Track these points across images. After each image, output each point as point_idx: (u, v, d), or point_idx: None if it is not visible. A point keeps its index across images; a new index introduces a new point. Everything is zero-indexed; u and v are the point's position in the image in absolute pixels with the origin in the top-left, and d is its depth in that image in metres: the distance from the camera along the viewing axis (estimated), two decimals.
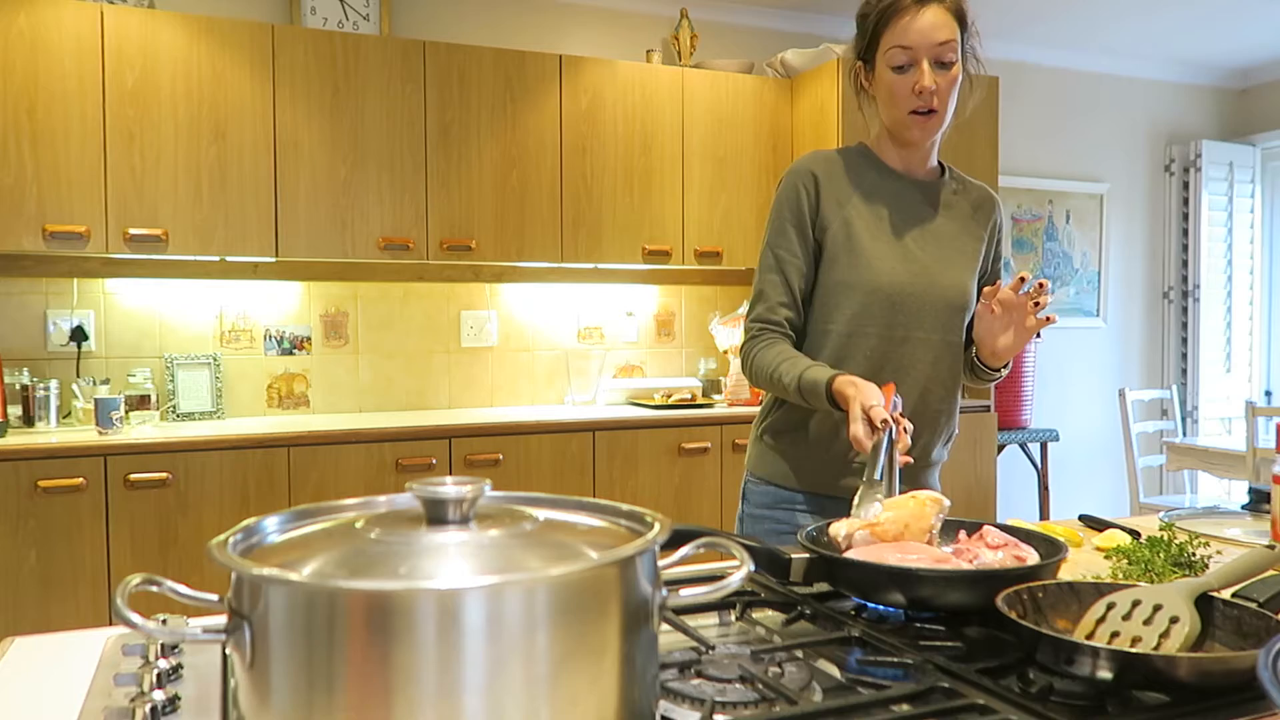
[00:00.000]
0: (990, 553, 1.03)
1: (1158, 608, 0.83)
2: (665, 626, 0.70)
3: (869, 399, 1.29)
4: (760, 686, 0.77)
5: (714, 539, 0.76)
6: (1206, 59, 4.96)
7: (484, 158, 3.31)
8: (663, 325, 3.98)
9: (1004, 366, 1.58)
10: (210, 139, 2.98)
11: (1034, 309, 1.41)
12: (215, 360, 3.27)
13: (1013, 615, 0.82)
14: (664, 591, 0.68)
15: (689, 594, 0.69)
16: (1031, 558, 1.02)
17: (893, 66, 1.45)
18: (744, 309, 3.70)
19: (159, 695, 0.77)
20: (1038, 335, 1.47)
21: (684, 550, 0.73)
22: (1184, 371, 5.14)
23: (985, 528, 1.09)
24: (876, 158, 1.58)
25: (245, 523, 0.71)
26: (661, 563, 0.70)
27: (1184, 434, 4.91)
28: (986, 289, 1.46)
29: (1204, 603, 0.84)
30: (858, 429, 1.27)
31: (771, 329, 1.53)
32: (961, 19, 1.47)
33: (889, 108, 1.49)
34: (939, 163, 1.62)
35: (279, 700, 0.59)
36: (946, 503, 1.11)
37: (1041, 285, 1.40)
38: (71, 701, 0.80)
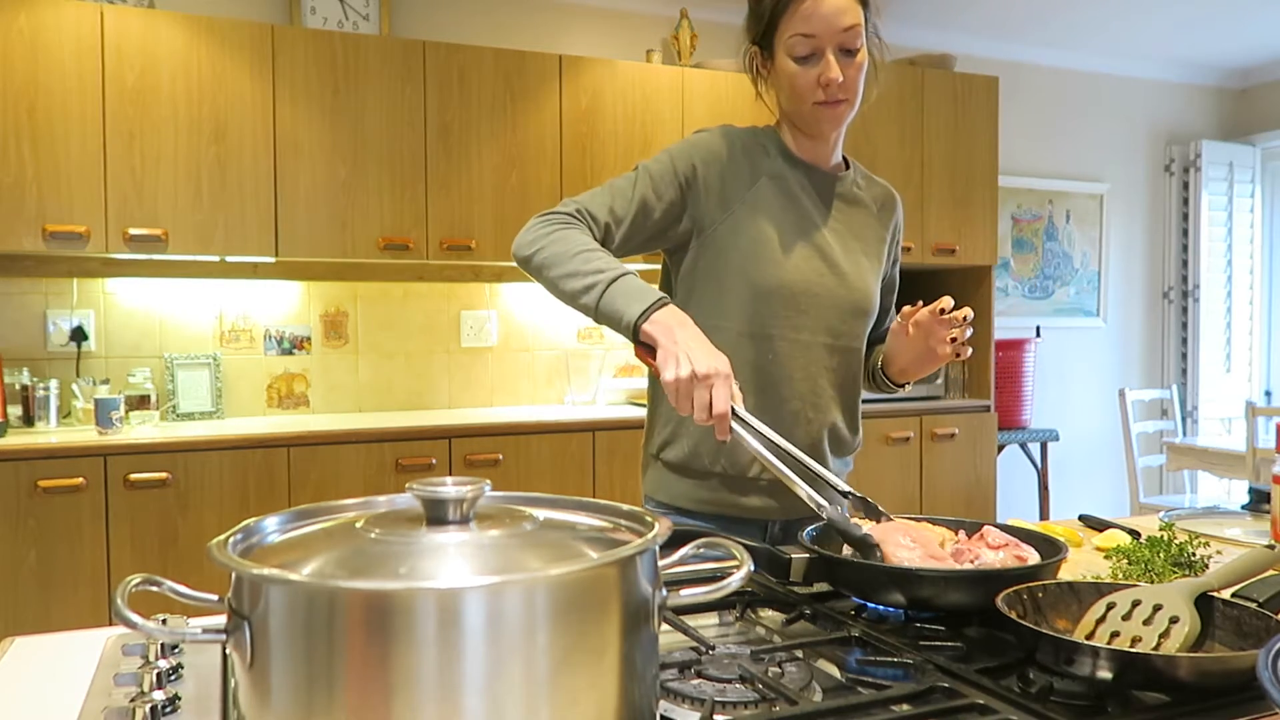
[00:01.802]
0: (991, 553, 1.03)
1: (1158, 608, 0.83)
2: (665, 626, 0.70)
3: (704, 365, 1.10)
4: (760, 686, 0.77)
5: (714, 539, 0.76)
6: (1206, 59, 4.96)
7: (484, 158, 3.31)
8: None
9: (906, 384, 1.51)
10: (210, 139, 2.98)
11: (950, 342, 1.31)
12: (215, 360, 3.27)
13: (1013, 615, 0.82)
14: (664, 591, 0.68)
15: (689, 594, 0.69)
16: (1032, 558, 1.02)
17: (795, 56, 1.33)
18: None
19: (159, 695, 0.77)
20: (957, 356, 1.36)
21: (684, 550, 0.73)
22: (1184, 371, 5.14)
23: (986, 528, 1.09)
24: (785, 147, 1.43)
25: (245, 523, 0.71)
26: (661, 563, 0.70)
27: (1184, 434, 4.91)
28: (905, 308, 1.35)
29: (1204, 603, 0.84)
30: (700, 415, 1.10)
31: (576, 222, 1.32)
32: (864, 1, 1.34)
33: (793, 99, 1.36)
34: (843, 156, 1.50)
35: (279, 700, 0.59)
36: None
37: (964, 318, 1.29)
38: (71, 701, 0.80)
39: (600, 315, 1.23)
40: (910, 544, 1.02)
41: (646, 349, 1.19)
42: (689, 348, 1.13)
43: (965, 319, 1.29)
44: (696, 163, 1.38)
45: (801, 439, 1.40)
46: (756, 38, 1.40)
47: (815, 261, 1.40)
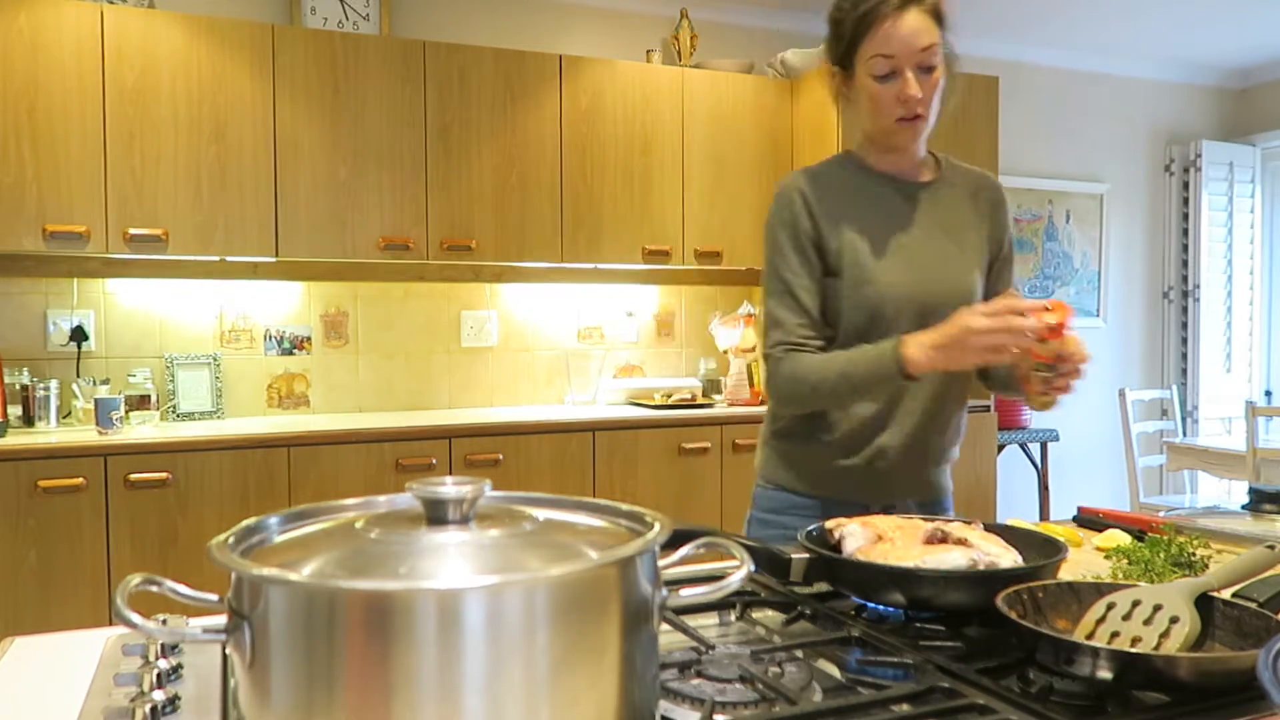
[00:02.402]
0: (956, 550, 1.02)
1: (1158, 608, 0.83)
2: (665, 626, 0.70)
3: (958, 332, 1.26)
4: (760, 686, 0.77)
5: (714, 539, 0.76)
6: (1206, 59, 4.95)
7: (484, 158, 3.31)
8: (663, 325, 3.98)
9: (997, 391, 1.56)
10: (210, 139, 2.98)
11: (1042, 387, 1.29)
12: (215, 360, 3.27)
13: (1013, 615, 0.82)
14: (664, 591, 0.68)
15: (689, 594, 0.69)
16: (1000, 561, 1.00)
17: (875, 75, 1.39)
18: (745, 309, 3.70)
19: (159, 695, 0.77)
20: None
21: (684, 550, 0.73)
22: (1184, 371, 5.14)
23: (972, 524, 1.09)
24: (864, 164, 1.52)
25: (245, 523, 0.71)
26: (661, 563, 0.70)
27: (1184, 434, 4.91)
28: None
29: (1204, 603, 0.84)
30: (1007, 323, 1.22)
31: (795, 348, 1.46)
32: (940, 19, 1.40)
33: (874, 116, 1.44)
34: (931, 155, 1.56)
35: (279, 700, 0.59)
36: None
37: (1077, 366, 1.25)
38: (71, 701, 0.80)
39: (874, 390, 1.40)
40: (858, 529, 1.06)
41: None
42: (944, 336, 1.28)
43: (1078, 368, 1.26)
44: (796, 220, 1.48)
45: (930, 437, 1.50)
46: (838, 59, 1.46)
47: (912, 270, 1.46)
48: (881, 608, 0.99)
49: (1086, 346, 1.25)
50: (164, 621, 0.65)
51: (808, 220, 1.47)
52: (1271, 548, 0.94)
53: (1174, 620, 0.81)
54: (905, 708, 0.74)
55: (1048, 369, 1.25)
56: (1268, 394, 5.23)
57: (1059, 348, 1.22)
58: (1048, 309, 1.20)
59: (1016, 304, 1.23)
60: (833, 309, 1.47)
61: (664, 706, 0.74)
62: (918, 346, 1.31)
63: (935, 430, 1.51)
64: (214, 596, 0.67)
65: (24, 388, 2.95)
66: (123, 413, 2.85)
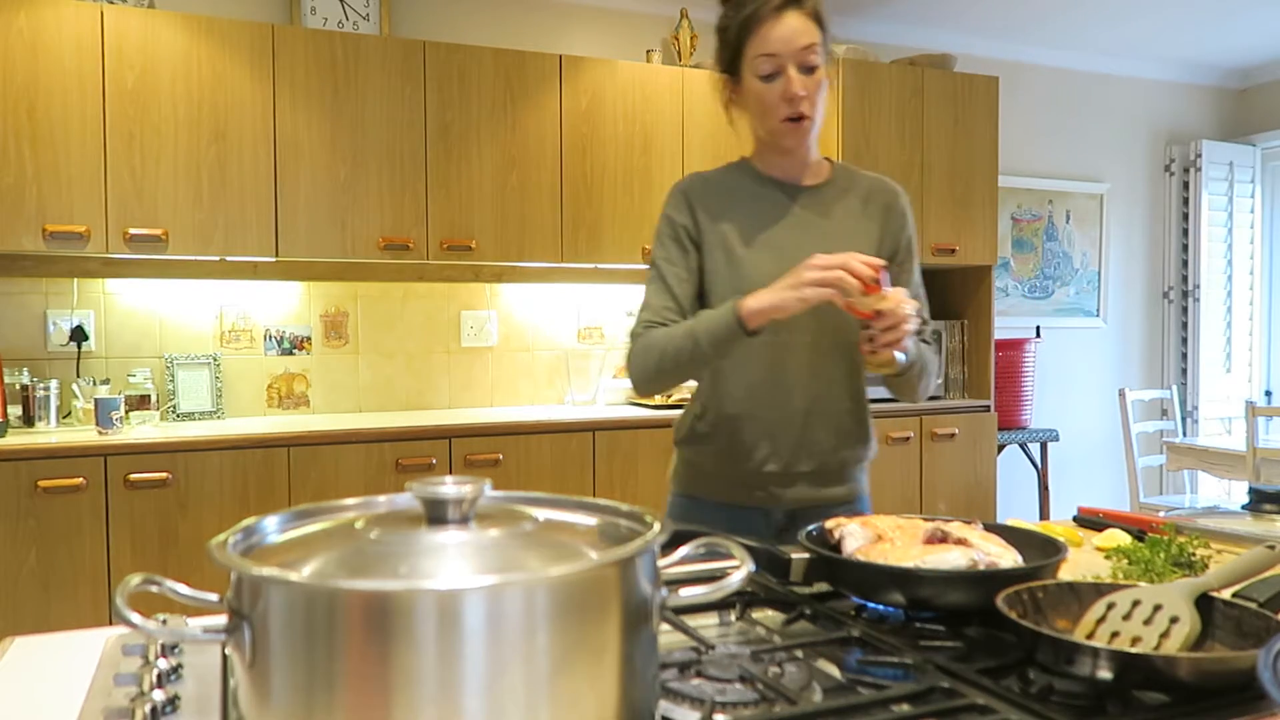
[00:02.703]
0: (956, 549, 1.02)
1: (1158, 608, 0.83)
2: (665, 626, 0.70)
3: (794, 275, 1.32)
4: (760, 686, 0.77)
5: (714, 539, 0.76)
6: (1206, 59, 4.96)
7: (484, 158, 3.31)
8: None
9: (901, 369, 1.46)
10: (210, 139, 2.98)
11: (868, 345, 1.34)
12: (215, 360, 3.27)
13: (1013, 615, 0.82)
14: (664, 591, 0.68)
15: (689, 594, 0.69)
16: (1001, 561, 1.00)
17: (760, 75, 1.44)
18: None
19: (159, 695, 0.77)
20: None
21: (684, 550, 0.73)
22: (1184, 371, 5.14)
23: (972, 524, 1.09)
24: (753, 169, 1.57)
25: (245, 523, 0.71)
26: (661, 563, 0.70)
27: (1184, 434, 4.91)
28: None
29: (1204, 603, 0.84)
30: (813, 275, 1.29)
31: (656, 326, 1.49)
32: (820, 21, 1.45)
33: (761, 118, 1.48)
34: (829, 161, 1.60)
35: (279, 700, 0.59)
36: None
37: (888, 331, 1.31)
38: (71, 701, 0.80)
39: (717, 347, 1.40)
40: (858, 529, 1.07)
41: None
42: (778, 283, 1.34)
43: (898, 325, 1.31)
44: (675, 215, 1.54)
45: (818, 437, 1.52)
46: (726, 66, 1.51)
47: (776, 263, 1.46)
48: (881, 608, 0.99)
49: (907, 306, 1.31)
50: (164, 621, 0.65)
51: (687, 215, 1.53)
52: (1271, 548, 0.94)
53: (1174, 620, 0.81)
54: (905, 708, 0.74)
55: (871, 327, 1.34)
56: (1268, 394, 5.23)
57: (875, 303, 1.30)
58: (872, 267, 1.30)
59: (849, 260, 1.29)
60: (706, 301, 1.52)
61: (664, 706, 0.74)
62: (754, 297, 1.36)
63: (826, 431, 1.52)
64: (214, 596, 0.67)
65: (24, 388, 2.95)
66: (123, 413, 2.85)
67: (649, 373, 1.48)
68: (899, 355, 1.36)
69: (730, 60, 1.49)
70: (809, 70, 1.43)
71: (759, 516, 1.54)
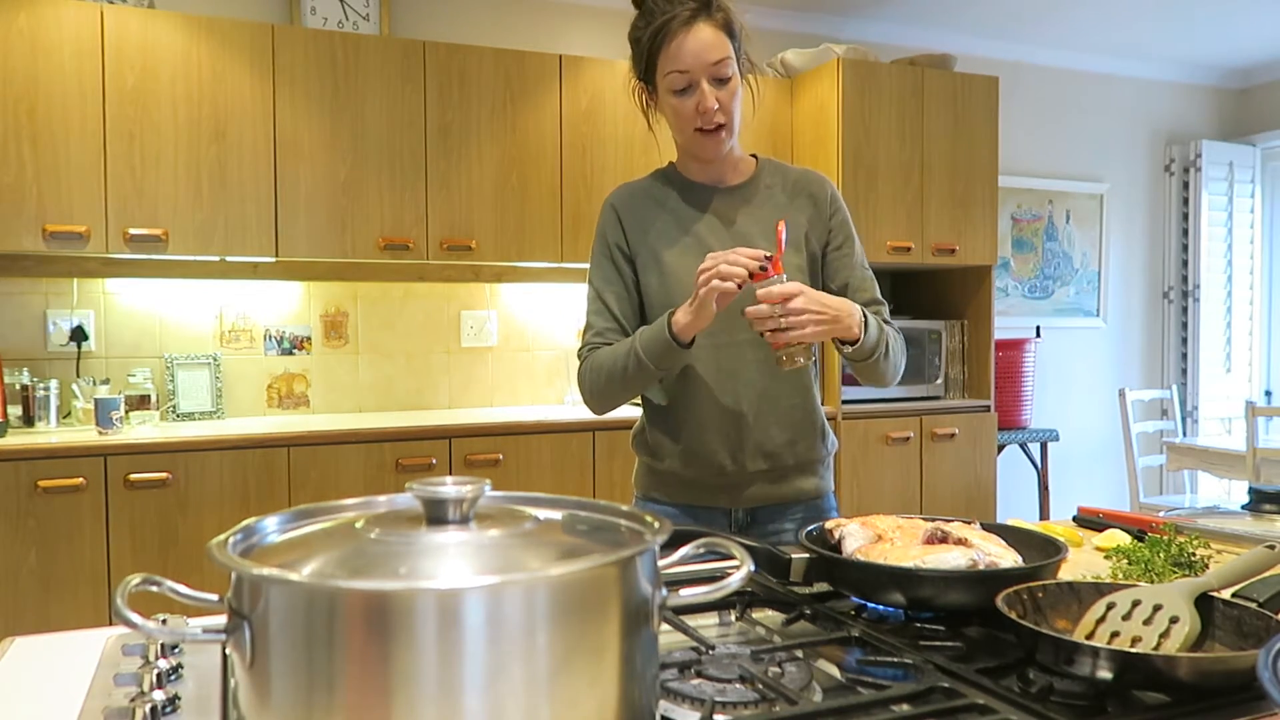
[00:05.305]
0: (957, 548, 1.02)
1: (1158, 608, 0.83)
2: (665, 626, 0.70)
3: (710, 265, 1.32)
4: (760, 686, 0.77)
5: (714, 539, 0.76)
6: (1206, 59, 4.96)
7: (484, 158, 3.31)
8: None
9: (860, 349, 1.42)
10: (210, 139, 2.98)
11: (769, 339, 1.33)
12: (215, 360, 3.27)
13: (1013, 615, 0.82)
14: (664, 591, 0.68)
15: (689, 594, 0.69)
16: (1001, 561, 1.00)
17: (673, 90, 1.44)
18: None
19: (159, 695, 0.77)
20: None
21: (684, 550, 0.73)
22: (1184, 371, 5.14)
23: (973, 525, 1.09)
24: (679, 174, 1.58)
25: (245, 523, 0.71)
26: (661, 563, 0.70)
27: (1184, 434, 4.91)
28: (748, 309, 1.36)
29: (1204, 603, 0.84)
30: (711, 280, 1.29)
31: (599, 348, 1.51)
32: (731, 31, 1.43)
33: (677, 130, 1.50)
34: (755, 158, 1.59)
35: (279, 700, 0.59)
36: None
37: (788, 324, 1.30)
38: (71, 701, 0.80)
39: (658, 361, 1.40)
40: (858, 529, 1.07)
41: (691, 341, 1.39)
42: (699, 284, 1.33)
43: (792, 317, 1.31)
44: (608, 232, 1.56)
45: (769, 434, 1.52)
46: (641, 75, 1.51)
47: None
48: (881, 608, 0.99)
49: (799, 300, 1.30)
50: (164, 621, 0.65)
51: (618, 230, 1.55)
52: (1271, 548, 0.94)
53: (1174, 620, 0.81)
54: (905, 708, 0.74)
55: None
56: (1268, 394, 5.23)
57: (765, 296, 1.31)
58: (766, 257, 1.31)
59: (731, 252, 1.31)
60: (647, 311, 1.54)
61: (664, 706, 0.74)
62: (681, 309, 1.37)
63: (778, 426, 1.52)
64: (214, 596, 0.67)
65: (24, 388, 2.95)
66: (123, 413, 2.85)
67: (599, 392, 1.50)
68: (849, 351, 1.40)
69: (644, 71, 1.48)
70: (722, 82, 1.43)
71: (720, 517, 1.55)
